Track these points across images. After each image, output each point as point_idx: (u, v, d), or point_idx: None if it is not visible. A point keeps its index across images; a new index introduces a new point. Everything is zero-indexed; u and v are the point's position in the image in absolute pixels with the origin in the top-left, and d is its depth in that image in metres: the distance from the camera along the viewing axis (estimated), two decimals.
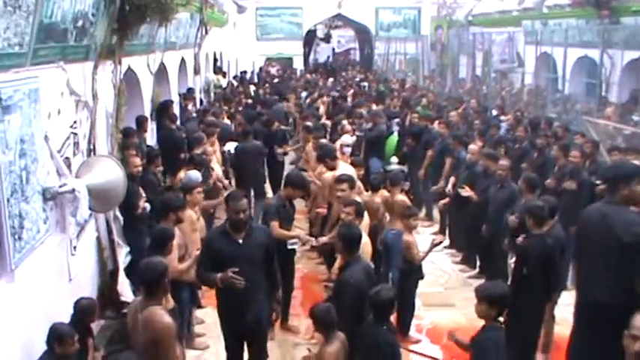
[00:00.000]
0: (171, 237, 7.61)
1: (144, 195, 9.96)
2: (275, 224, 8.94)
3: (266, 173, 15.04)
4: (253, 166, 14.06)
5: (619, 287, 6.39)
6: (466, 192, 11.83)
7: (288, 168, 15.10)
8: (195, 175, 10.38)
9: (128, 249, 9.76)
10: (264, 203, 12.12)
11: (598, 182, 10.79)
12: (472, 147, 12.99)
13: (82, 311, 7.14)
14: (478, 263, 12.17)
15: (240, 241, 7.13)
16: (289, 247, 9.16)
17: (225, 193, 8.46)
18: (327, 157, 11.41)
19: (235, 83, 28.82)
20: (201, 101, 21.87)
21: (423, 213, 14.49)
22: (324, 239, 9.70)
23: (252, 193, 13.73)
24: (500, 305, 6.22)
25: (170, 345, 5.76)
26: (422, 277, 9.60)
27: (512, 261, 8.69)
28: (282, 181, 10.16)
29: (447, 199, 13.16)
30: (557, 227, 8.59)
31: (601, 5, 19.13)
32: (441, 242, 9.97)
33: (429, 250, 9.45)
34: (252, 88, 27.45)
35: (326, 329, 6.51)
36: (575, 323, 6.97)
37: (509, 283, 8.45)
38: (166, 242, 7.50)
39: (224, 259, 7.05)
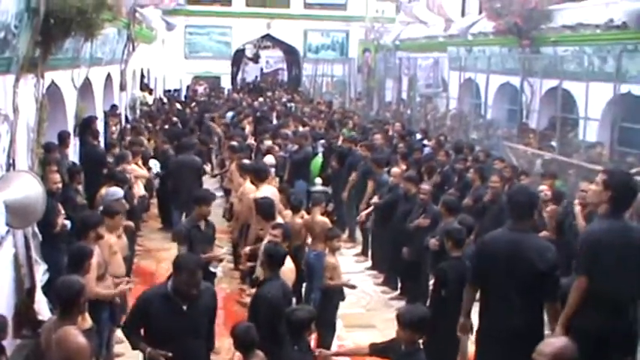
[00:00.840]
0: (89, 255, 7.47)
1: (63, 212, 9.77)
2: (182, 249, 8.80)
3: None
4: (190, 181, 13.93)
5: (530, 313, 6.55)
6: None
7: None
8: (116, 191, 10.27)
9: (46, 267, 9.54)
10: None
11: None
12: (395, 170, 13.14)
13: None
14: (399, 285, 12.23)
15: (185, 307, 6.37)
16: (211, 269, 9.07)
17: (175, 256, 7.04)
18: (257, 177, 11.33)
19: (164, 100, 28.61)
20: (126, 118, 21.62)
21: (345, 234, 14.50)
22: (246, 249, 9.77)
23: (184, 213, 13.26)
24: (422, 329, 6.27)
25: None
26: (343, 299, 9.61)
27: (431, 282, 8.76)
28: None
29: (367, 211, 13.25)
30: (471, 247, 8.71)
31: (522, 35, 19.58)
32: (354, 287, 9.93)
33: (346, 284, 9.58)
34: (178, 106, 27.23)
35: (246, 349, 6.46)
36: (483, 349, 6.99)
37: (427, 304, 8.52)
38: (84, 260, 7.35)
39: (163, 328, 6.33)
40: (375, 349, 6.74)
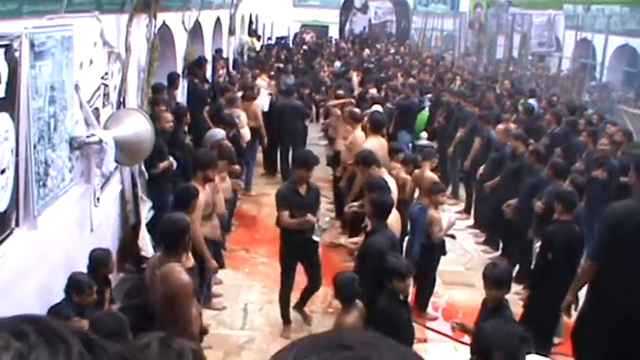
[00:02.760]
0: (195, 195, 7.57)
1: (167, 152, 9.95)
2: (284, 214, 8.42)
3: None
4: (293, 124, 14.48)
5: None
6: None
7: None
8: (216, 132, 10.40)
9: (151, 204, 9.77)
10: None
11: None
12: (500, 127, 12.91)
13: (97, 261, 7.10)
14: (501, 245, 12.07)
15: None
16: (314, 238, 8.58)
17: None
18: (373, 127, 11.16)
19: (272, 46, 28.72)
20: (234, 62, 21.79)
21: (449, 191, 14.35)
22: (354, 204, 9.66)
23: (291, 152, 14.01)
24: (506, 285, 6.21)
25: (186, 303, 5.74)
26: (444, 254, 9.55)
27: (537, 245, 8.57)
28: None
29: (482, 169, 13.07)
30: (580, 215, 8.47)
31: None
32: (454, 222, 9.82)
33: (448, 230, 9.41)
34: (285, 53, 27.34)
35: (346, 299, 6.47)
36: (594, 328, 6.70)
37: (532, 267, 8.36)
38: (190, 200, 7.47)
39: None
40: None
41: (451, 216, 9.83)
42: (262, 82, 17.42)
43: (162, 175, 9.85)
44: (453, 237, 9.66)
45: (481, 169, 12.65)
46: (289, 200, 8.47)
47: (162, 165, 9.78)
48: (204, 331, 6.68)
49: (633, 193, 10.62)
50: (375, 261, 6.86)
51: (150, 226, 9.36)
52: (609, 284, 6.41)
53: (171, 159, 9.94)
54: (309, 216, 8.29)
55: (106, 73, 8.52)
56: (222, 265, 9.35)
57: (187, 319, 5.74)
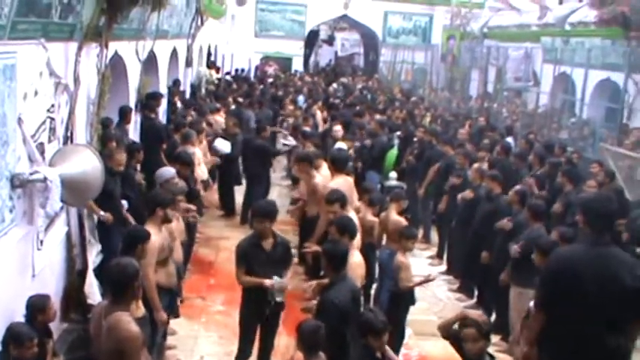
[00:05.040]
0: (144, 238, 7.44)
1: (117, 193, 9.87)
2: (240, 272, 8.12)
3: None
4: (257, 164, 15.01)
5: (615, 341, 6.22)
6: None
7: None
8: (165, 171, 10.32)
9: (100, 247, 9.65)
10: None
11: None
12: (475, 166, 13.01)
13: (33, 308, 6.90)
14: (476, 292, 12.06)
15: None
16: (277, 299, 8.12)
17: None
18: (335, 165, 11.10)
19: (229, 79, 28.79)
20: (191, 95, 21.78)
21: (420, 234, 14.36)
22: (309, 248, 9.60)
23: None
24: (486, 338, 6.18)
25: (135, 357, 5.63)
26: (413, 303, 9.50)
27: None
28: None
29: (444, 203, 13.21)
30: None
31: (629, 25, 19.07)
32: (432, 279, 9.85)
33: (421, 283, 9.45)
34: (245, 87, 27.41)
35: (310, 349, 6.36)
36: None
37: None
38: (137, 244, 7.35)
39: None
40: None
41: (431, 273, 9.83)
42: (220, 118, 17.43)
43: (114, 217, 9.73)
44: (429, 280, 9.65)
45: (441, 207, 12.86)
46: (250, 256, 8.08)
47: (105, 215, 9.64)
48: None
49: (622, 237, 10.86)
50: (335, 319, 6.79)
51: (98, 272, 9.23)
52: (559, 336, 6.44)
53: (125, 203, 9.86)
54: (266, 282, 7.93)
55: (53, 106, 8.42)
56: (176, 315, 9.23)
57: None
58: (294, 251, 12.82)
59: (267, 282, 7.93)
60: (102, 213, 9.58)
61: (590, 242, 6.34)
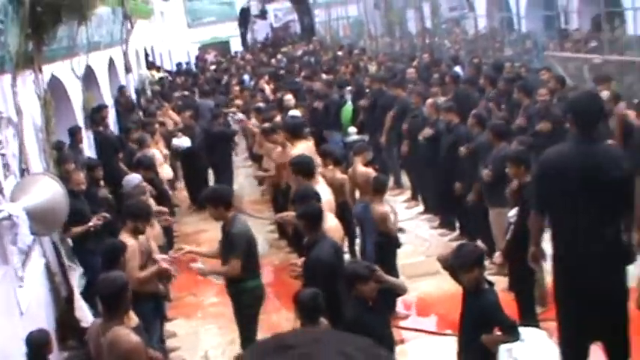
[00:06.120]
0: (123, 250, 7.44)
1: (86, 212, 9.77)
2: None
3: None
4: (221, 151, 15.01)
5: (610, 229, 6.29)
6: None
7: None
8: (132, 178, 10.25)
9: (82, 270, 9.57)
10: None
11: None
12: (429, 101, 12.99)
13: (35, 344, 6.86)
14: (458, 224, 12.13)
15: None
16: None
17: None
18: (293, 133, 11.08)
19: (169, 77, 28.59)
20: (138, 100, 21.61)
21: (391, 181, 14.38)
22: (283, 215, 9.58)
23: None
24: (480, 265, 6.21)
25: None
26: (399, 247, 9.53)
27: (511, 215, 8.49)
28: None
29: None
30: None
31: None
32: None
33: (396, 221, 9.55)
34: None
35: (311, 317, 6.33)
36: (562, 279, 6.72)
37: (509, 237, 8.31)
38: (118, 257, 7.35)
39: None
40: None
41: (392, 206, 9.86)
42: (169, 120, 17.27)
43: (86, 237, 9.64)
44: (401, 230, 9.71)
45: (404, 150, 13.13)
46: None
47: (81, 228, 9.54)
48: None
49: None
50: (323, 274, 6.81)
51: (86, 294, 9.17)
52: (559, 232, 6.55)
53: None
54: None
55: (0, 142, 8.31)
56: (166, 319, 9.23)
57: None
58: (272, 227, 12.93)
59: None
60: (90, 223, 9.51)
61: (576, 140, 6.45)
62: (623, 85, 13.05)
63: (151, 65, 27.33)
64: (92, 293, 8.47)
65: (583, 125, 6.39)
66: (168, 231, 11.14)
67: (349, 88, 18.02)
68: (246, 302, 8.07)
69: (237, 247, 7.80)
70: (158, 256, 8.45)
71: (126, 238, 7.90)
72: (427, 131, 12.42)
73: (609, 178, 6.15)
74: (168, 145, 14.85)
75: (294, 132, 11.00)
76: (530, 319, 7.98)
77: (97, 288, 6.20)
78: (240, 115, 16.08)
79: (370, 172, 10.32)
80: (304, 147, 10.69)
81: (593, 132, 6.38)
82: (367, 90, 16.57)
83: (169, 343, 9.30)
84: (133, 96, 20.95)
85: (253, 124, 14.55)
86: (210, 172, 15.58)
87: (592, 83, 13.11)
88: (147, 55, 27.57)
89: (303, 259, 7.47)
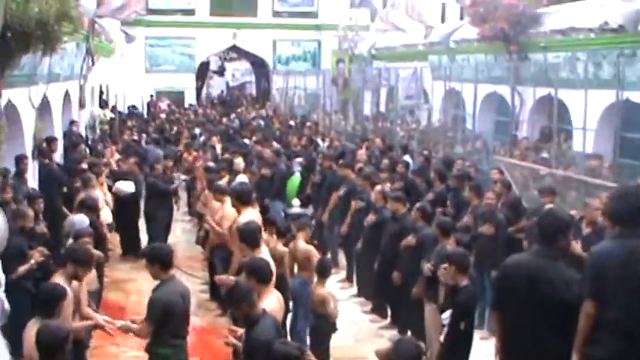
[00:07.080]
0: (63, 296, 7.04)
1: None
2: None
3: None
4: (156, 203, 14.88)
5: (550, 346, 6.33)
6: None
7: None
8: (82, 219, 10.05)
9: (8, 308, 9.21)
10: None
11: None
12: (377, 188, 13.06)
13: None
14: (390, 312, 12.10)
15: None
16: None
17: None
18: (240, 200, 10.83)
19: (119, 118, 28.40)
20: (86, 137, 21.40)
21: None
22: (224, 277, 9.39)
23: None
24: None
25: None
26: (335, 331, 9.48)
27: (445, 316, 8.48)
28: None
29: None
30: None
31: (509, 40, 19.59)
32: None
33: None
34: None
35: None
36: None
37: (443, 341, 8.30)
38: (58, 303, 6.92)
39: None
40: None
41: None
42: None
43: (22, 275, 9.27)
44: None
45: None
46: None
47: (24, 268, 9.15)
48: None
49: (523, 245, 11.18)
50: (262, 353, 6.67)
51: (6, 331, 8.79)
52: (513, 338, 6.61)
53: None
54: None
55: None
56: None
57: None
58: (204, 287, 12.77)
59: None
60: (32, 261, 9.16)
61: (536, 252, 6.62)
62: (566, 201, 13.24)
63: (104, 104, 27.14)
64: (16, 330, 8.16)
65: (544, 240, 6.53)
66: (100, 275, 10.91)
67: (299, 160, 18.07)
68: None
69: (150, 311, 7.57)
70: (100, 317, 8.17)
71: (61, 281, 7.58)
72: (371, 217, 12.48)
73: (557, 300, 6.25)
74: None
75: (242, 199, 10.88)
76: None
77: (41, 338, 5.89)
78: (183, 177, 16.13)
79: (311, 249, 10.28)
80: (251, 214, 10.60)
81: (552, 248, 6.42)
82: (319, 166, 16.61)
83: None
84: (83, 132, 20.77)
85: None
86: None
87: (535, 192, 13.31)
88: (101, 93, 27.40)
89: (243, 330, 7.27)
